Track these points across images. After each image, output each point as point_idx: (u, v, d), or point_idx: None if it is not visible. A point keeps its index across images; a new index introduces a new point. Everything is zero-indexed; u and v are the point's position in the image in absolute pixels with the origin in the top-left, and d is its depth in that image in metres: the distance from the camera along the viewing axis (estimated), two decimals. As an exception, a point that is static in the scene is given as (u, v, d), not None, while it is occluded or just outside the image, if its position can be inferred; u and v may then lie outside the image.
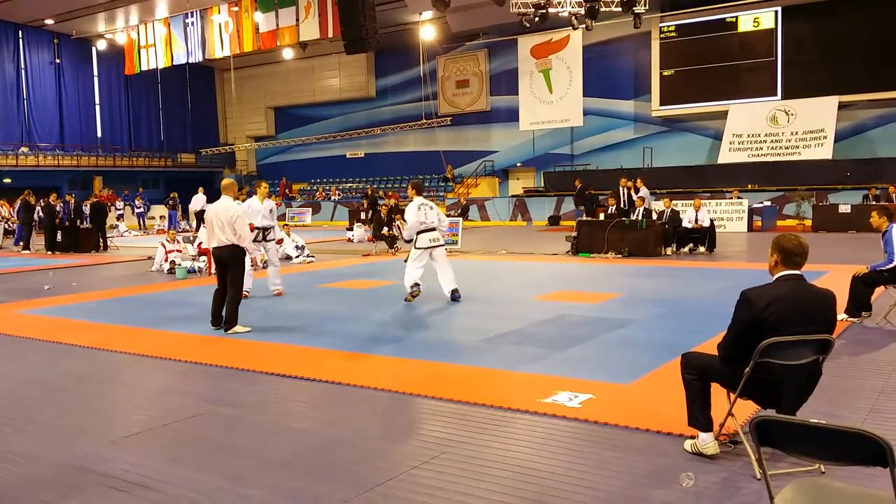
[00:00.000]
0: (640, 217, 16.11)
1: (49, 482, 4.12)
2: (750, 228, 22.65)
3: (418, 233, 10.07)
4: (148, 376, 6.67)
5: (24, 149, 35.50)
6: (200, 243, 14.91)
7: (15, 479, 4.17)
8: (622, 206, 18.29)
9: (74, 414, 5.43)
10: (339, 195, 37.61)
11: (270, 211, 11.18)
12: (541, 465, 4.13)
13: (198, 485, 3.99)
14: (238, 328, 8.16)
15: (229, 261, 8.22)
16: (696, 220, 16.41)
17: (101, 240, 21.13)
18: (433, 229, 10.18)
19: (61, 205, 23.49)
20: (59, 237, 20.77)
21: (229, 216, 8.11)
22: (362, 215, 25.21)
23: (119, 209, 33.13)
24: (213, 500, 3.80)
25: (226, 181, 8.66)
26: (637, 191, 18.76)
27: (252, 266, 10.58)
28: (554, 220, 28.38)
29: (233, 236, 8.11)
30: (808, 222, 22.43)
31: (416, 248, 10.10)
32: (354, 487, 3.89)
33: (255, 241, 10.33)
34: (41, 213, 22.22)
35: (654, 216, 16.59)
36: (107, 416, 5.38)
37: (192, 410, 5.42)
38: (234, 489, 3.92)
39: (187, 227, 28.73)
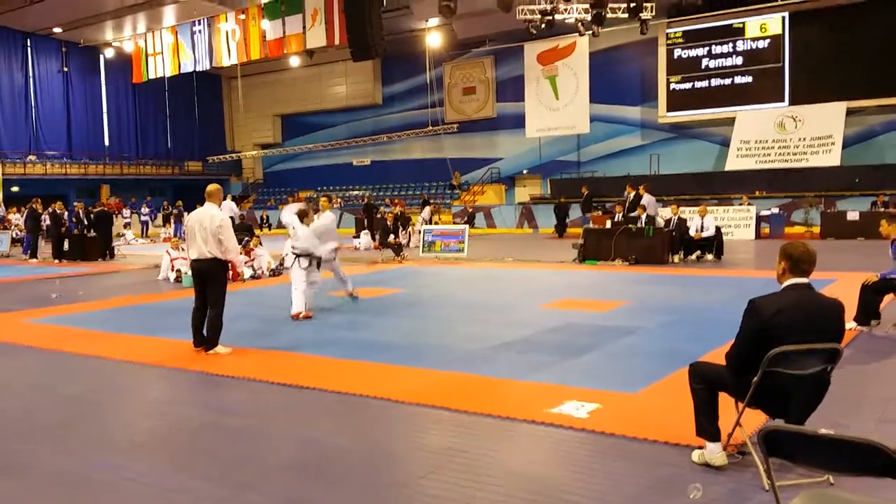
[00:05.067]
0: (644, 225, 16.05)
1: (56, 491, 4.11)
2: (758, 235, 22.59)
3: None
4: (154, 385, 6.67)
5: (31, 157, 35.69)
6: None
7: (22, 488, 4.16)
8: (626, 212, 18.21)
9: (81, 422, 5.42)
10: (340, 203, 37.63)
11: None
12: (547, 475, 4.11)
13: (204, 493, 3.98)
14: (219, 349, 7.56)
15: (210, 276, 7.56)
16: (702, 228, 16.35)
17: (107, 248, 21.18)
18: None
19: (67, 213, 23.56)
20: (66, 246, 20.82)
21: (214, 226, 7.42)
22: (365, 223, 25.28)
23: (126, 217, 33.24)
24: (218, 511, 3.79)
25: (211, 187, 7.77)
26: (639, 198, 18.62)
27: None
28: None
29: (216, 248, 7.45)
30: (817, 229, 22.35)
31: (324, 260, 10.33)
32: (359, 496, 3.87)
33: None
34: (48, 222, 22.27)
35: (661, 223, 16.52)
36: (113, 425, 5.37)
37: (199, 419, 5.41)
38: (240, 497, 3.90)
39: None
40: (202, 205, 7.72)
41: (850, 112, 26.96)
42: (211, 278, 7.57)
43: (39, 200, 22.69)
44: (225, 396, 6.07)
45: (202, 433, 5.10)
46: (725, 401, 4.23)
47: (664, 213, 18.19)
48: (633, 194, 19.07)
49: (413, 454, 4.56)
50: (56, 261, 20.35)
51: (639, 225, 16.05)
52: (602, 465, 4.24)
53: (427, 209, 26.38)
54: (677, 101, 30.80)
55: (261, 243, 16.17)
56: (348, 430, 5.06)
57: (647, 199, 18.21)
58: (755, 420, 4.49)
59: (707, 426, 4.17)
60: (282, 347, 7.84)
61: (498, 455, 4.44)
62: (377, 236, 22.23)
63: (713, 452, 4.13)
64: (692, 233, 16.42)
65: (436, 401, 5.60)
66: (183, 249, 15.63)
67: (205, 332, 7.63)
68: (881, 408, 5.23)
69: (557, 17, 24.85)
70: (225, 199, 28.81)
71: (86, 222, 22.44)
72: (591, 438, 4.69)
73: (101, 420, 5.51)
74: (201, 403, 5.90)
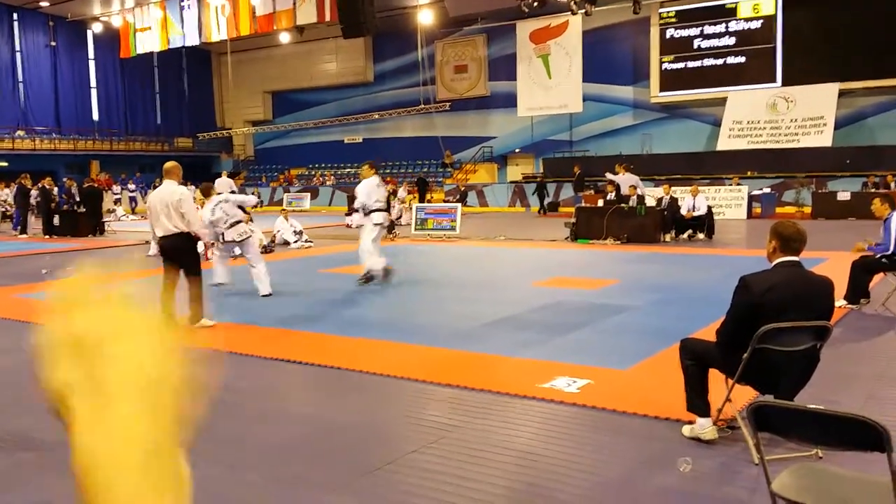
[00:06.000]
0: (636, 204, 16.06)
1: (48, 465, 4.12)
2: (749, 215, 22.65)
3: (372, 210, 10.15)
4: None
5: (20, 132, 35.34)
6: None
7: (13, 462, 4.17)
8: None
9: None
10: (333, 180, 37.57)
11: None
12: (539, 449, 4.14)
13: (196, 472, 3.98)
14: (204, 321, 7.54)
15: (182, 251, 7.54)
16: (694, 208, 16.39)
17: (97, 224, 21.09)
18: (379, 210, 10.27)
19: (57, 189, 23.42)
20: (56, 221, 20.73)
21: (174, 200, 7.39)
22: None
23: (116, 193, 33.07)
24: (212, 487, 3.80)
25: (169, 164, 7.75)
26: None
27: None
28: (552, 207, 28.35)
29: (180, 222, 7.41)
30: (808, 209, 22.42)
31: (374, 224, 10.16)
32: (353, 472, 3.90)
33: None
34: (38, 198, 22.13)
35: (653, 202, 16.53)
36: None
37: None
38: (232, 476, 3.92)
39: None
40: (220, 177, 7.70)
41: (841, 93, 26.95)
42: (182, 252, 7.55)
43: (28, 176, 22.49)
44: (215, 372, 6.07)
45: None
46: (715, 376, 4.27)
47: (655, 193, 18.19)
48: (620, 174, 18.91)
49: (406, 429, 4.58)
50: (46, 236, 20.26)
51: (630, 204, 16.07)
52: (593, 440, 4.28)
53: (402, 189, 26.07)
54: (669, 81, 30.71)
55: (251, 220, 16.11)
56: (341, 406, 5.09)
57: (626, 177, 18.09)
58: (745, 395, 4.53)
59: (697, 402, 4.21)
60: (272, 323, 7.85)
61: (490, 429, 4.47)
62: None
63: (703, 427, 4.17)
64: (683, 212, 16.45)
65: (428, 376, 5.63)
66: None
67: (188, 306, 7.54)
68: (870, 384, 5.29)
69: (551, -6, 24.67)
70: (220, 175, 28.86)
71: (77, 198, 22.32)
72: (582, 413, 4.73)
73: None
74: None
